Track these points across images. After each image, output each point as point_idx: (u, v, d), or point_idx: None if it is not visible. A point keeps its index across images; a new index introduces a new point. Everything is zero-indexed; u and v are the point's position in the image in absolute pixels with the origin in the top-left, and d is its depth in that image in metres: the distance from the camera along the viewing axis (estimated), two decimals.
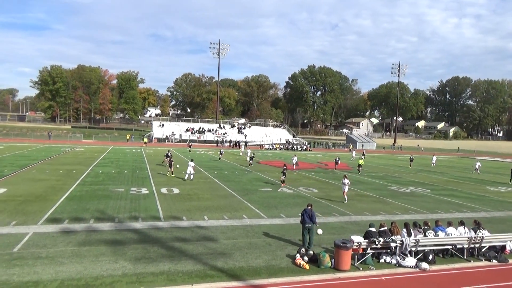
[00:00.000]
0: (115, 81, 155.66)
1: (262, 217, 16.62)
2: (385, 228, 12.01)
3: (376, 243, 11.35)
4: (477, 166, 41.13)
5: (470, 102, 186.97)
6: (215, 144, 71.40)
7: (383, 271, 10.82)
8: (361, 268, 10.91)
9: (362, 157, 40.46)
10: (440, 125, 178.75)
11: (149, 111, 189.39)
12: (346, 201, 20.35)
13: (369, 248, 11.37)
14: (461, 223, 13.34)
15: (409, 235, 11.90)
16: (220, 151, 45.62)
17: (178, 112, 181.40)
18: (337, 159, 39.09)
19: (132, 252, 11.32)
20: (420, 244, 11.72)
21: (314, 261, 11.00)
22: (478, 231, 12.79)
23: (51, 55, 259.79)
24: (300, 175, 32.17)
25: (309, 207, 12.82)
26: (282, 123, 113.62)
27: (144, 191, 21.37)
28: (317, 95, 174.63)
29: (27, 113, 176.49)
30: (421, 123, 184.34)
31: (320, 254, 11.02)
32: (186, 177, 26.14)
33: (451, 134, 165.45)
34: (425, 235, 12.31)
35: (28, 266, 9.89)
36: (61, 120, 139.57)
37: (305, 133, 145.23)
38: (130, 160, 38.50)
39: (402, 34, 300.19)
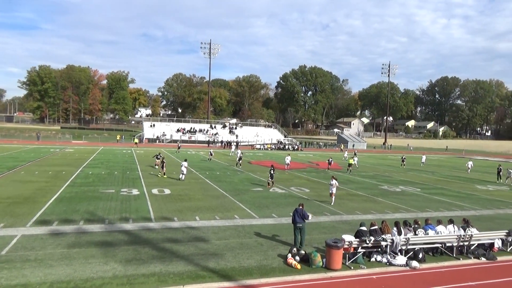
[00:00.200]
0: (105, 81, 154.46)
1: (254, 217, 16.61)
2: (376, 227, 12.09)
3: (367, 242, 11.42)
4: (469, 166, 41.56)
5: (459, 101, 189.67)
6: (207, 145, 71.21)
7: (374, 270, 10.89)
8: (352, 267, 10.97)
9: (355, 157, 40.66)
10: (430, 125, 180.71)
11: (140, 111, 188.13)
12: (332, 203, 19.83)
13: (360, 247, 11.43)
14: (451, 221, 13.49)
15: (399, 233, 12.01)
16: (210, 151, 45.46)
17: (169, 112, 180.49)
18: (330, 159, 39.25)
19: (122, 253, 11.23)
20: (410, 242, 11.82)
21: (306, 260, 11.03)
22: (467, 229, 12.96)
23: (40, 55, 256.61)
24: (292, 175, 32.24)
25: (301, 207, 12.86)
26: (273, 123, 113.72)
27: (135, 192, 21.21)
28: (308, 95, 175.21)
29: (15, 114, 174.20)
30: (411, 123, 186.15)
31: (311, 254, 11.06)
32: (180, 177, 26.16)
33: (440, 133, 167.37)
34: (415, 234, 12.42)
35: (16, 269, 9.74)
36: (50, 120, 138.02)
37: (296, 133, 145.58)
38: (121, 161, 38.21)
39: (393, 34, 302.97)
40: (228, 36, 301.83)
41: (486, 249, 12.81)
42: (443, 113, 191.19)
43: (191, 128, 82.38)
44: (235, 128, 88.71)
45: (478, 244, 12.87)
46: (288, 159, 37.01)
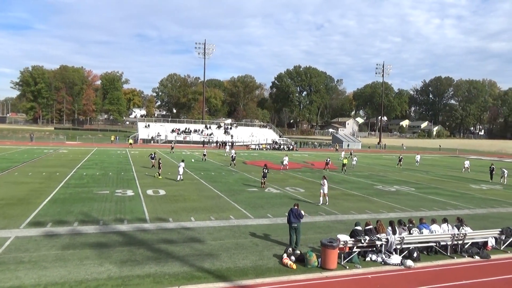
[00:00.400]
0: (99, 82, 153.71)
1: (249, 217, 16.61)
2: (371, 226, 12.14)
3: (362, 241, 11.46)
4: (466, 165, 41.83)
5: (452, 101, 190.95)
6: (202, 145, 71.08)
7: (369, 269, 10.93)
8: (347, 267, 11.01)
9: (354, 158, 41.38)
10: (424, 124, 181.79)
11: (134, 112, 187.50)
12: (320, 204, 19.48)
13: (355, 247, 11.47)
14: (445, 220, 13.58)
15: (394, 233, 12.06)
16: (204, 152, 45.34)
17: (164, 113, 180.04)
18: (328, 159, 39.29)
19: (117, 255, 11.18)
20: (405, 241, 11.88)
21: (301, 260, 11.05)
22: (461, 228, 13.05)
23: (33, 55, 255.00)
24: (287, 175, 32.28)
25: (296, 207, 12.88)
26: (268, 123, 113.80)
27: (130, 193, 21.13)
28: (303, 95, 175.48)
29: (8, 115, 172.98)
30: (405, 123, 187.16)
31: (307, 254, 11.08)
32: (178, 178, 26.12)
33: (434, 133, 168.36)
34: (409, 233, 12.49)
35: (10, 271, 9.66)
36: (44, 121, 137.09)
37: (291, 133, 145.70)
38: (115, 161, 38.03)
39: (387, 34, 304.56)
40: (223, 36, 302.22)
41: (480, 248, 12.90)
42: (437, 112, 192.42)
43: (186, 129, 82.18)
44: (230, 128, 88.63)
45: (472, 242, 12.96)
46: (286, 160, 37.20)
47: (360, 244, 11.49)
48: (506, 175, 33.33)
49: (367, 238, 11.56)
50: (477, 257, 12.38)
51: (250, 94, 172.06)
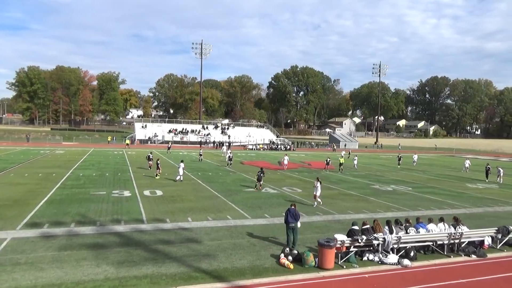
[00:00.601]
0: (95, 82, 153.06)
1: (246, 217, 16.61)
2: (368, 226, 12.17)
3: (359, 241, 11.48)
4: (467, 165, 42.01)
5: (448, 101, 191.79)
6: (199, 145, 71.02)
7: (366, 269, 10.95)
8: (344, 266, 11.03)
9: (355, 158, 42.15)
10: (421, 124, 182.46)
11: (131, 112, 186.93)
12: (315, 205, 19.33)
13: (352, 246, 11.49)
14: (441, 219, 13.63)
15: (391, 232, 12.09)
16: (200, 152, 45.27)
17: (161, 113, 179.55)
18: (328, 159, 39.30)
19: (114, 255, 11.15)
20: (402, 241, 11.92)
21: (299, 260, 11.05)
22: (458, 227, 13.09)
23: (29, 55, 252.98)
24: (284, 175, 32.30)
25: (293, 207, 12.89)
26: (265, 123, 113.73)
27: (127, 193, 21.08)
28: (300, 95, 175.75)
29: (4, 115, 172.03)
30: (402, 122, 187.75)
31: (304, 253, 11.09)
32: (177, 178, 26.09)
33: (431, 132, 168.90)
34: (406, 232, 12.52)
35: (6, 272, 9.62)
36: (40, 122, 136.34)
37: (288, 133, 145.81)
38: (112, 162, 37.94)
39: (383, 34, 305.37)
40: (220, 37, 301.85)
41: (477, 247, 12.96)
42: (434, 112, 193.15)
43: (183, 129, 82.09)
44: (227, 128, 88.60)
45: (469, 241, 13.02)
46: (286, 160, 37.32)
47: (357, 244, 11.51)
48: (502, 174, 33.49)
49: (364, 237, 11.59)
50: (473, 256, 12.43)
51: (247, 94, 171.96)
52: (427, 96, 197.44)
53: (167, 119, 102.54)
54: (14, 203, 17.68)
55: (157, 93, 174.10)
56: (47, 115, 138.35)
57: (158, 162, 28.23)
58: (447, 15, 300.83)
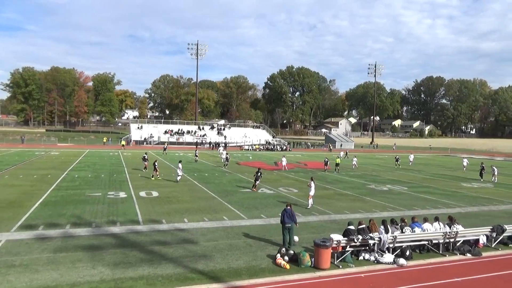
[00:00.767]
0: (90, 83, 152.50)
1: (243, 218, 16.61)
2: (364, 226, 12.20)
3: (355, 240, 11.52)
4: (464, 163, 42.24)
5: (444, 101, 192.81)
6: (195, 146, 70.90)
7: (362, 268, 10.99)
8: (340, 266, 11.05)
9: (354, 159, 42.40)
10: (416, 124, 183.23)
11: (127, 113, 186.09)
12: (309, 207, 18.99)
13: (348, 246, 11.52)
14: (436, 219, 13.70)
15: (386, 232, 12.14)
16: (195, 153, 45.19)
17: (157, 114, 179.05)
18: (326, 159, 39.37)
19: (110, 257, 11.11)
20: (397, 240, 11.96)
21: (295, 260, 11.07)
22: (453, 226, 13.16)
23: (24, 56, 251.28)
24: (280, 175, 32.32)
25: (289, 207, 12.91)
26: (261, 124, 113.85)
27: (122, 195, 21.01)
28: (296, 95, 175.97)
29: None
30: (397, 122, 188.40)
31: (300, 254, 11.10)
32: (178, 179, 26.07)
33: (426, 132, 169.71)
34: (402, 232, 12.57)
35: (1, 274, 9.56)
36: (35, 123, 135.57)
37: (284, 134, 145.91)
38: (108, 163, 37.79)
39: (379, 35, 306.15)
40: (216, 37, 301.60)
41: (472, 246, 13.03)
42: (429, 112, 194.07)
43: (178, 130, 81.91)
44: (223, 129, 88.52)
45: (464, 240, 13.09)
46: (284, 161, 37.42)
47: (353, 244, 11.54)
48: (496, 173, 33.69)
49: (360, 237, 11.62)
50: (468, 255, 12.50)
51: (243, 94, 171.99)
52: (422, 96, 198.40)
53: (163, 120, 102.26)
54: (8, 205, 17.56)
55: (153, 94, 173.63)
56: (42, 116, 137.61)
57: (156, 163, 28.14)
58: (442, 15, 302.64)
